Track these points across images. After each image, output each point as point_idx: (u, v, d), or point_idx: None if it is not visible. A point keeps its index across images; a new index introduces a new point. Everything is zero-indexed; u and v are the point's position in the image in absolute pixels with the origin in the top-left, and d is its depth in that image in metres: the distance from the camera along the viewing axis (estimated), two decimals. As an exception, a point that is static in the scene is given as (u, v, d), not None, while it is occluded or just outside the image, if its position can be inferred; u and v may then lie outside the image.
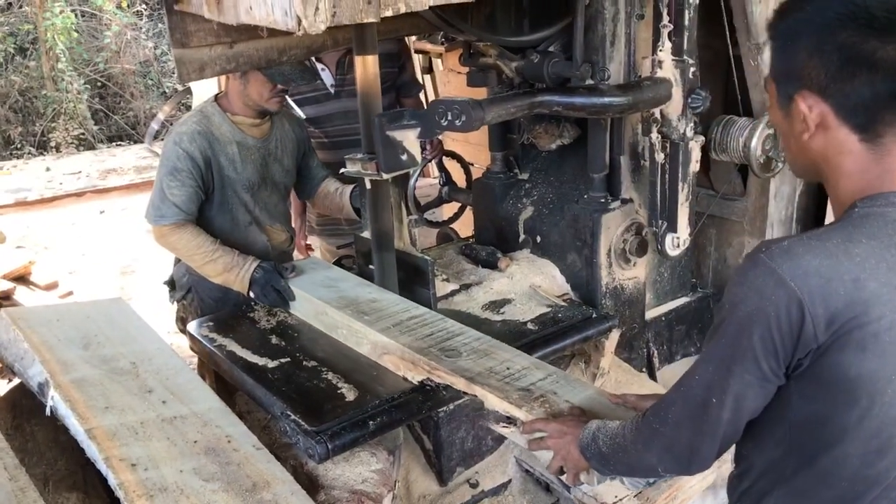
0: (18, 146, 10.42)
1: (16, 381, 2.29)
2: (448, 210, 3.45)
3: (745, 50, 2.62)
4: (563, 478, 1.57)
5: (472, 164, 3.34)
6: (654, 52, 2.31)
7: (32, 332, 2.15)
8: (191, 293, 2.79)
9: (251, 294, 2.43)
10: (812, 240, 1.11)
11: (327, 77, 3.21)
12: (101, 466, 1.67)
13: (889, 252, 1.09)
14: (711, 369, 1.18)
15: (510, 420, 1.73)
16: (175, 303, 2.92)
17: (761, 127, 2.51)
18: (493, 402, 1.74)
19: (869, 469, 1.16)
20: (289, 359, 2.12)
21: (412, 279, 2.33)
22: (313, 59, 3.13)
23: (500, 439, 2.27)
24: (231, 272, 2.42)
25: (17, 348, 2.14)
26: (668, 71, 2.29)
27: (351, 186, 2.74)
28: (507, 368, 1.85)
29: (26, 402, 2.13)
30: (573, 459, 1.50)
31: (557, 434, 1.54)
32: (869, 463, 1.16)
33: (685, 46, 2.28)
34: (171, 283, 2.90)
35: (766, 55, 2.59)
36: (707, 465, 1.26)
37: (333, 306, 2.20)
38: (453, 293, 2.48)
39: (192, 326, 2.36)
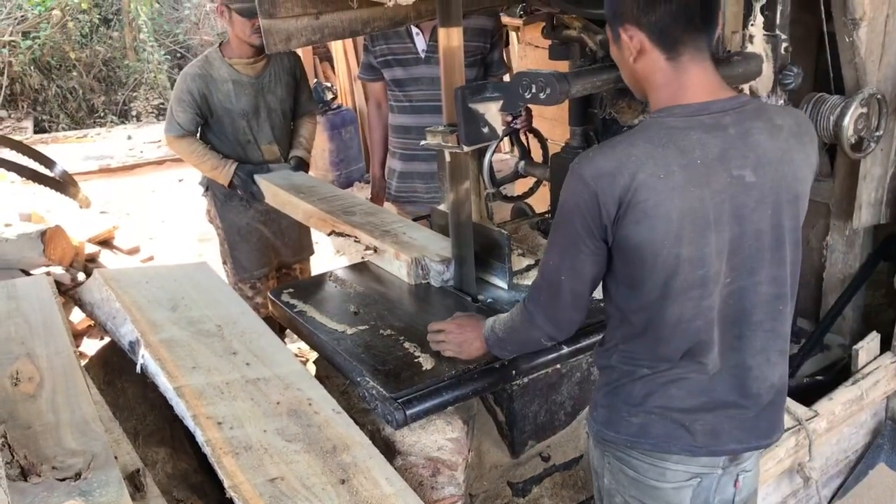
0: (102, 115, 10.79)
1: (107, 339, 2.39)
2: (520, 185, 3.43)
3: (839, 25, 2.52)
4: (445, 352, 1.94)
5: (547, 140, 3.31)
6: (744, 26, 2.23)
7: (123, 293, 2.24)
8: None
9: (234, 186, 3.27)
10: (606, 146, 1.46)
11: (420, 42, 3.25)
12: (189, 423, 1.73)
13: (657, 151, 1.41)
14: (556, 254, 1.55)
15: (374, 250, 2.53)
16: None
17: (854, 106, 2.43)
18: (363, 237, 2.55)
19: (663, 312, 1.49)
20: (367, 327, 2.15)
21: (488, 252, 2.34)
22: None
23: (573, 414, 2.27)
24: (216, 170, 3.24)
25: (109, 307, 2.23)
26: (759, 46, 2.22)
27: (298, 153, 3.41)
28: (382, 221, 2.67)
29: (117, 359, 2.23)
30: (472, 350, 1.88)
31: (457, 329, 1.91)
32: (659, 307, 1.49)
33: (778, 21, 2.20)
34: None
35: (863, 31, 2.50)
36: (577, 326, 1.65)
37: (283, 188, 3.01)
38: (528, 268, 2.47)
39: (273, 293, 2.43)
